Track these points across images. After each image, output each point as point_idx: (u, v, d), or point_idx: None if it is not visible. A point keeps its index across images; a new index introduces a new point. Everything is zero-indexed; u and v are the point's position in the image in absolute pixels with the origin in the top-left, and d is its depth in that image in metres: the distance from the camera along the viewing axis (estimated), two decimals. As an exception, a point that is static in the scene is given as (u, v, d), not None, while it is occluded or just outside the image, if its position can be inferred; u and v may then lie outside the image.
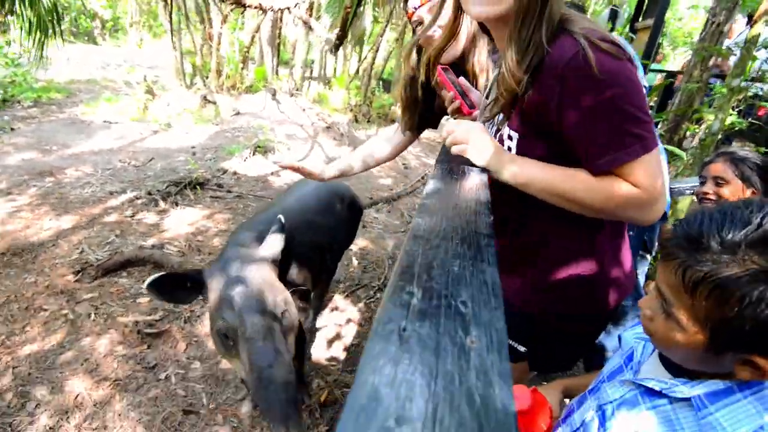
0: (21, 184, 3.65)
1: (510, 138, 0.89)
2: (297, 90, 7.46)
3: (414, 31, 1.28)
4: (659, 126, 3.54)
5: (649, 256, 1.81)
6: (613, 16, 3.77)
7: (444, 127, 0.95)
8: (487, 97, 1.00)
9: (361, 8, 4.25)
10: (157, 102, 5.94)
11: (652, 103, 4.09)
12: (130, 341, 2.16)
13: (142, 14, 10.40)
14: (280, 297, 1.28)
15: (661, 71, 5.79)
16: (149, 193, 3.58)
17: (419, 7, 1.22)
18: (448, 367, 0.32)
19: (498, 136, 0.94)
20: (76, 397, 1.83)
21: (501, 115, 0.90)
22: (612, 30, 4.00)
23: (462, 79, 1.17)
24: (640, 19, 3.81)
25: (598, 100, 0.73)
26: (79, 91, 6.87)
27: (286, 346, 1.22)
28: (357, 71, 8.70)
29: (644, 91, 0.95)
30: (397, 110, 1.48)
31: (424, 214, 0.61)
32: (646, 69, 2.68)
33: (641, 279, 1.80)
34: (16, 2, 2.87)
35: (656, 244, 1.84)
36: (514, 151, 0.88)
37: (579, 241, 0.96)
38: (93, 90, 6.90)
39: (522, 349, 1.09)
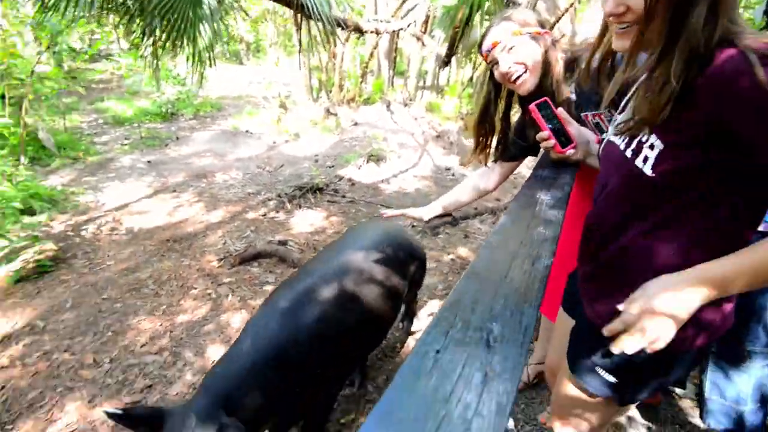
0: (183, 185, 4.51)
1: (651, 147, 0.80)
2: (410, 100, 7.76)
3: (491, 72, 1.34)
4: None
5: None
6: (771, 9, 3.20)
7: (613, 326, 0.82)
8: (622, 111, 0.93)
9: (471, 22, 4.29)
10: (288, 114, 6.74)
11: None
12: (256, 323, 2.57)
13: (279, 36, 11.81)
14: None
15: None
16: (279, 196, 4.13)
17: (492, 48, 1.28)
18: (464, 387, 0.43)
19: (636, 143, 0.85)
20: (213, 361, 2.26)
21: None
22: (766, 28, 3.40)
23: (561, 111, 1.19)
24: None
25: None
26: (227, 106, 8.09)
27: None
28: (471, 78, 8.69)
29: None
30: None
31: (486, 250, 0.71)
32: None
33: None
34: (184, 40, 3.56)
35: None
36: (651, 161, 0.79)
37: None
38: (238, 105, 8.07)
39: (612, 379, 1.01)
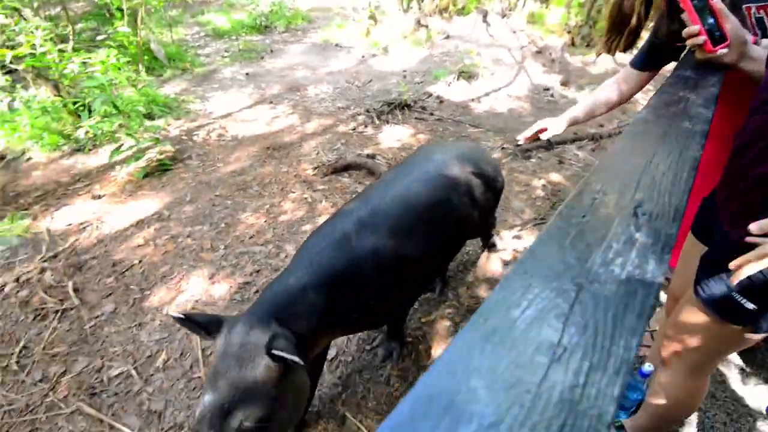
0: (278, 97, 4.68)
1: None
2: (510, 10, 7.01)
3: None
4: None
5: None
6: None
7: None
8: None
9: None
10: (378, 27, 6.48)
11: None
12: (346, 228, 2.75)
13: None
14: (254, 414, 1.05)
15: None
16: (367, 111, 4.15)
17: None
18: (614, 247, 0.43)
19: None
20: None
21: None
22: None
23: (717, 2, 1.00)
24: None
25: None
26: (317, 18, 7.96)
27: None
28: (584, -16, 7.56)
29: None
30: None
31: (627, 137, 0.66)
32: None
33: None
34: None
35: None
36: None
37: None
38: (327, 16, 7.90)
39: (750, 306, 0.93)
